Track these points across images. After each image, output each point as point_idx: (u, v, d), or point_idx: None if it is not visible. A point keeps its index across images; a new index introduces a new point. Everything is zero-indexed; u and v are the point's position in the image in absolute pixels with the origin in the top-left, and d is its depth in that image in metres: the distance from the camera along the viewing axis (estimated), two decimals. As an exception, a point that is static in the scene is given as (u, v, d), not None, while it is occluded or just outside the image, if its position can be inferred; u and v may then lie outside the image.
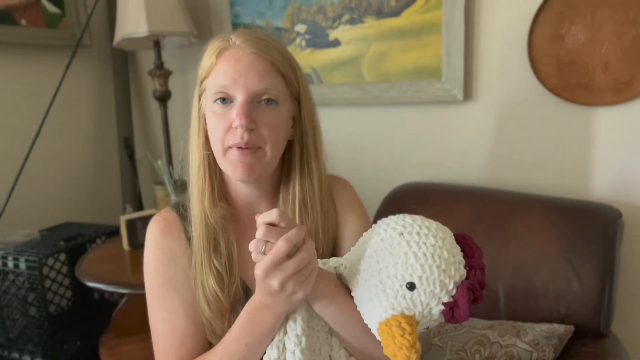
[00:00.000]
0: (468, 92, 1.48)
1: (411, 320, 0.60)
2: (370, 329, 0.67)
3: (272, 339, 0.69)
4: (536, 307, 1.16)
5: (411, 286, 0.61)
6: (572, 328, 1.10)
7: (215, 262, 0.76)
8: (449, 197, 1.38)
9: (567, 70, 1.31)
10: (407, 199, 1.43)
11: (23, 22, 1.71)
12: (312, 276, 0.63)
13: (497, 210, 1.28)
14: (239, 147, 0.71)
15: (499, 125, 1.46)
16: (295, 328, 0.67)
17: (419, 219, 0.67)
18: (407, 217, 0.67)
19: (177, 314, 0.77)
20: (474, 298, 0.63)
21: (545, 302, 1.16)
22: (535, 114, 1.40)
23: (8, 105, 1.72)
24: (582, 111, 1.34)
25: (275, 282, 0.60)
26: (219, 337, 0.74)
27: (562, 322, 1.13)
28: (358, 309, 0.68)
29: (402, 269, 0.61)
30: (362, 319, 0.68)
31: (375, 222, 0.72)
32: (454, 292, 0.61)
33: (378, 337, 0.63)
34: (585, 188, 1.37)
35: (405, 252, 0.62)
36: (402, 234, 0.64)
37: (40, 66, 1.81)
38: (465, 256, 0.65)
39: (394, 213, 0.70)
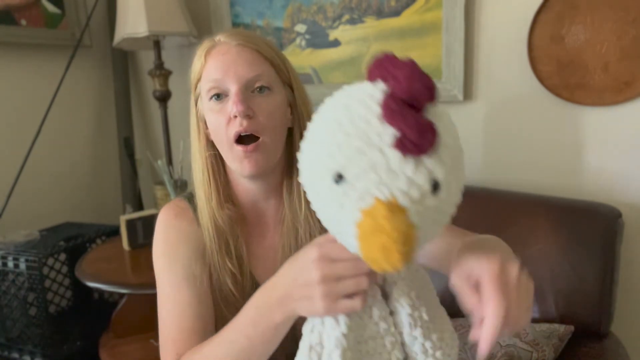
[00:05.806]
0: (468, 92, 1.48)
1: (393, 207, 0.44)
2: None
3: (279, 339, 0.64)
4: (536, 307, 1.16)
5: (340, 177, 0.47)
6: (572, 328, 1.10)
7: (228, 263, 0.77)
8: (449, 197, 1.38)
9: (567, 70, 1.31)
10: (407, 199, 1.42)
11: (23, 22, 1.71)
12: (340, 295, 0.54)
13: (497, 210, 1.28)
14: (243, 144, 0.72)
15: (498, 125, 1.46)
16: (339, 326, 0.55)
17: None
18: None
19: (183, 308, 0.76)
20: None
21: (545, 302, 1.16)
22: (535, 114, 1.40)
23: (8, 105, 1.73)
24: (582, 111, 1.34)
25: (318, 274, 0.54)
26: None
27: (562, 322, 1.13)
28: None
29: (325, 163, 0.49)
30: None
31: None
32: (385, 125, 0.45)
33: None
34: (585, 188, 1.37)
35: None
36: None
37: (40, 66, 1.81)
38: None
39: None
